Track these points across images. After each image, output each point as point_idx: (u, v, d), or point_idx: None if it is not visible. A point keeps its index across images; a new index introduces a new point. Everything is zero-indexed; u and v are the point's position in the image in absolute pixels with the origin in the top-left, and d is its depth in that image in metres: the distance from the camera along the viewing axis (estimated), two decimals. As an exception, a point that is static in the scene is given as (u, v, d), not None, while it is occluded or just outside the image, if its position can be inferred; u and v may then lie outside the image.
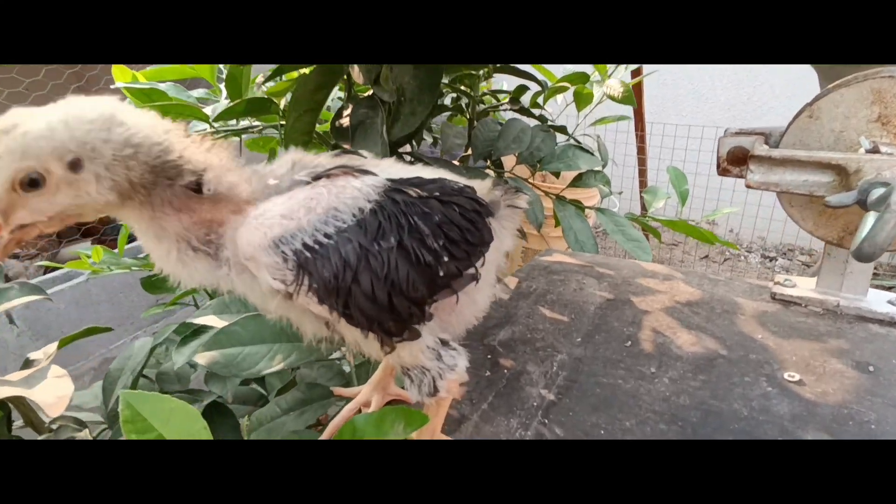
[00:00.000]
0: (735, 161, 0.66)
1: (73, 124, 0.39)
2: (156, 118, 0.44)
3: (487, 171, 1.26)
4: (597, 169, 1.29)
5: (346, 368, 0.82)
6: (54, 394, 0.59)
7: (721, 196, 2.46)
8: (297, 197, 0.46)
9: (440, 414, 0.57)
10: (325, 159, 0.51)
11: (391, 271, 0.45)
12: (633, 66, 1.51)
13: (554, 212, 1.24)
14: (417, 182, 0.50)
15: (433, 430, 0.56)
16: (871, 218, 0.48)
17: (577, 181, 1.29)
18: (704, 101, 3.04)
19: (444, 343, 0.53)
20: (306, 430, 0.69)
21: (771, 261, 3.57)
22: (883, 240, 0.44)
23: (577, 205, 1.27)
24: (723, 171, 0.68)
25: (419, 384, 0.53)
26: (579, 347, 0.70)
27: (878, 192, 0.48)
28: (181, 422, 0.42)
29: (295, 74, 1.00)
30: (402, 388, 0.58)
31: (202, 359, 0.66)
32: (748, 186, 0.63)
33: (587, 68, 1.39)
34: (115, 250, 1.36)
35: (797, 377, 0.61)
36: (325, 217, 0.45)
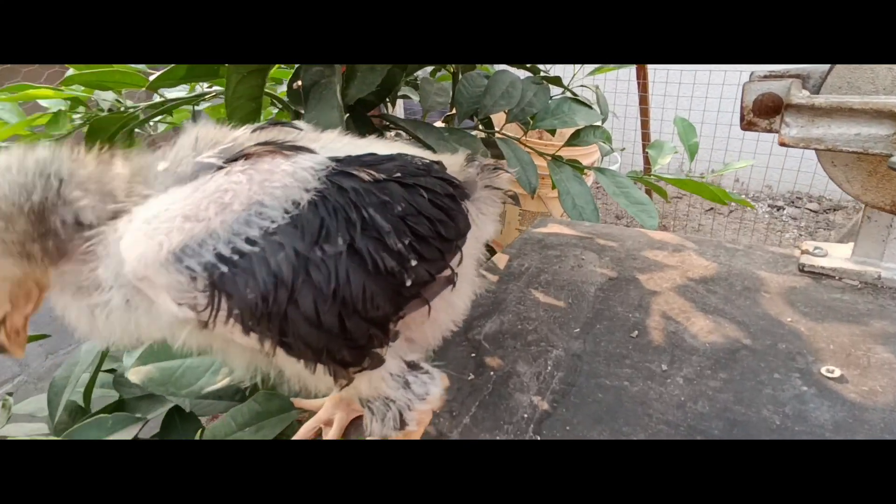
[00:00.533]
0: (764, 112, 0.54)
1: None
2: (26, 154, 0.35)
3: (475, 132, 1.14)
4: (596, 124, 1.17)
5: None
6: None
7: (730, 146, 2.32)
8: (205, 189, 0.34)
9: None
10: (243, 134, 0.40)
11: (341, 285, 0.34)
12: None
13: (549, 172, 1.12)
14: (371, 161, 0.39)
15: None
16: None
17: (575, 138, 1.17)
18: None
19: (413, 366, 0.43)
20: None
21: (779, 210, 3.45)
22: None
23: (575, 165, 1.15)
24: (747, 125, 0.56)
25: (382, 418, 0.43)
26: (578, 340, 0.60)
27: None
28: None
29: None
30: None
31: (135, 375, 0.56)
32: (782, 144, 0.51)
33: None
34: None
35: (837, 372, 0.51)
36: (245, 215, 0.33)
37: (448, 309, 0.46)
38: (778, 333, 0.58)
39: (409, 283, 0.37)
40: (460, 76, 1.10)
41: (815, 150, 0.51)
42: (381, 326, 0.37)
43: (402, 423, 0.43)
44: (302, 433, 0.54)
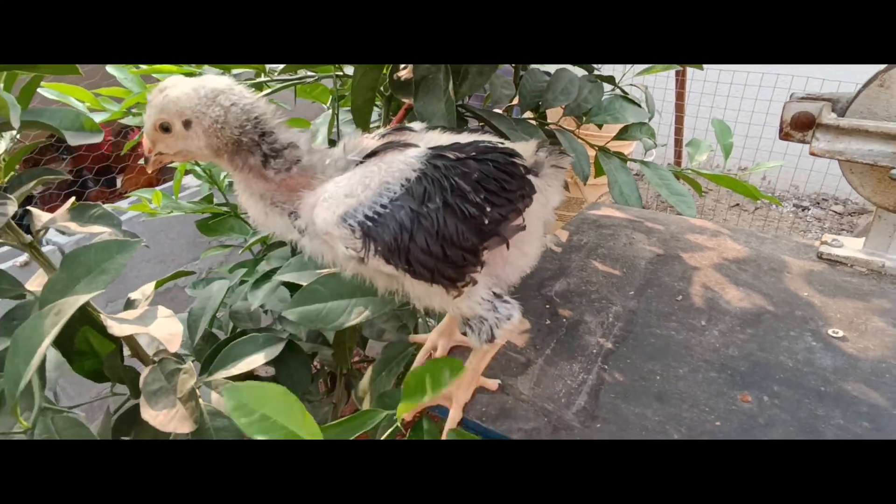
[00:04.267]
0: (798, 126, 0.68)
1: (190, 96, 0.51)
2: (259, 101, 0.54)
3: (530, 121, 1.28)
4: (643, 121, 1.29)
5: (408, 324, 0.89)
6: (168, 331, 0.67)
7: (761, 146, 2.42)
8: (355, 177, 0.53)
9: (485, 360, 0.64)
10: (373, 140, 0.57)
11: (441, 227, 0.51)
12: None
13: (597, 161, 1.26)
14: (455, 147, 0.56)
15: (475, 373, 0.63)
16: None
17: (623, 133, 1.30)
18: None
19: (499, 296, 0.59)
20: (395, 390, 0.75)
21: (803, 210, 3.52)
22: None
23: (621, 157, 1.28)
24: (785, 136, 0.70)
25: (478, 332, 0.59)
26: (632, 300, 0.75)
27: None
28: (277, 401, 0.47)
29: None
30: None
31: (292, 314, 0.72)
32: (812, 154, 0.66)
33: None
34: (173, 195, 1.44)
35: (841, 333, 0.66)
36: (379, 190, 0.52)
37: (521, 257, 0.62)
38: (796, 304, 0.72)
39: (486, 222, 0.53)
40: (522, 72, 1.24)
41: (837, 159, 0.65)
42: (472, 253, 0.53)
43: (492, 337, 0.59)
44: (418, 360, 0.71)
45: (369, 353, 1.36)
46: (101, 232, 0.64)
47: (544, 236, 0.66)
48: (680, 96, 2.46)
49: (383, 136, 0.59)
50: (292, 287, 1.09)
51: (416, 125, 0.62)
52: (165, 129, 0.52)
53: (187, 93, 0.51)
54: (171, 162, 0.57)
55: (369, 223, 0.50)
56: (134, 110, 1.23)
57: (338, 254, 0.53)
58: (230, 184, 1.47)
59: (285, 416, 0.48)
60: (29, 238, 0.65)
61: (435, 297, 0.56)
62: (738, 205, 3.68)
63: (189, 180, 1.84)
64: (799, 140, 0.69)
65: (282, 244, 1.19)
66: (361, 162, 0.55)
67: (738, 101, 2.37)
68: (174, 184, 1.47)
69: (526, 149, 0.62)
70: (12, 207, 0.57)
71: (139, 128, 1.38)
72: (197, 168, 1.42)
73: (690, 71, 2.38)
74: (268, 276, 1.03)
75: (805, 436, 0.53)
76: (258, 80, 1.18)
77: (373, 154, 0.55)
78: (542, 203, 0.61)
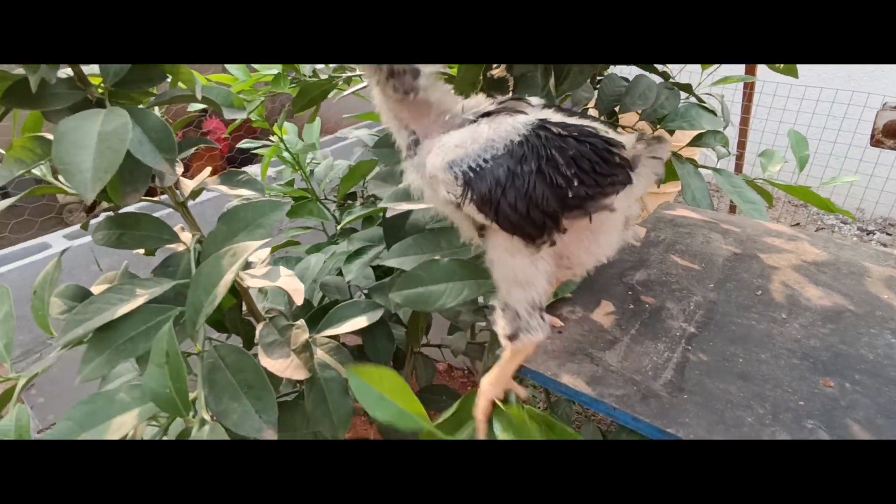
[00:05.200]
0: (890, 134, 0.71)
1: None
2: None
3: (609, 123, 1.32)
4: (718, 129, 1.32)
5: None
6: (292, 286, 0.75)
7: (830, 163, 2.37)
8: (465, 131, 0.60)
9: (513, 362, 0.66)
10: (489, 103, 0.64)
11: (529, 189, 0.57)
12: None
13: (668, 166, 1.29)
14: (561, 124, 0.61)
15: (503, 372, 0.66)
16: None
17: (697, 140, 1.33)
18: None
19: (539, 312, 0.64)
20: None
21: (868, 234, 3.41)
22: None
23: (694, 163, 1.32)
24: (876, 143, 0.73)
25: (510, 321, 0.63)
26: (713, 292, 0.80)
27: None
28: (391, 383, 0.53)
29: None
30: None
31: (398, 297, 0.79)
32: (904, 159, 0.68)
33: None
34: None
35: (922, 334, 0.69)
36: (485, 146, 0.58)
37: (599, 243, 0.66)
38: (876, 305, 0.75)
39: (570, 195, 0.59)
40: (601, 76, 1.29)
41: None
42: (553, 217, 0.59)
43: (515, 334, 0.63)
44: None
45: (431, 339, 1.43)
46: (251, 195, 0.73)
47: (625, 229, 0.71)
48: (746, 109, 2.44)
49: (501, 102, 0.65)
50: (375, 267, 1.17)
51: (533, 100, 0.67)
52: None
53: None
54: None
55: (471, 173, 0.57)
56: (241, 96, 1.35)
57: (438, 196, 0.60)
58: (312, 171, 1.59)
59: (399, 398, 0.54)
60: (181, 198, 0.76)
61: (516, 247, 0.62)
62: (798, 224, 3.59)
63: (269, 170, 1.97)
64: (890, 147, 0.72)
65: (354, 230, 1.28)
66: (475, 121, 0.62)
67: (810, 117, 2.34)
68: (262, 168, 1.59)
69: (627, 141, 0.67)
70: (180, 168, 0.67)
71: (216, 114, 1.50)
72: (286, 154, 1.54)
73: (759, 85, 2.36)
74: (357, 253, 1.12)
75: (885, 418, 0.57)
76: (357, 73, 1.27)
77: (487, 115, 0.62)
78: (627, 193, 0.65)
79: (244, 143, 1.38)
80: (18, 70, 0.53)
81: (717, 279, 0.83)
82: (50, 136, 0.61)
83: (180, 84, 0.62)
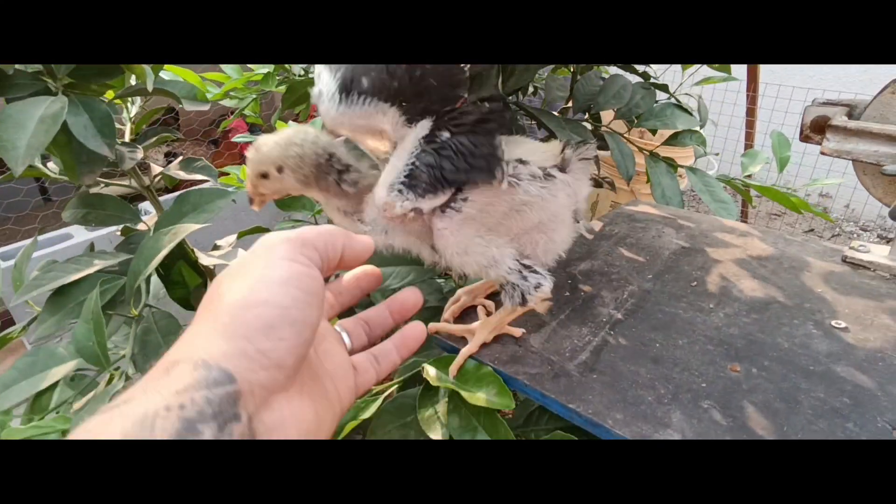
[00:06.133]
0: (817, 129, 0.72)
1: (277, 147, 0.64)
2: (318, 137, 0.66)
3: (585, 122, 1.35)
4: (694, 129, 1.33)
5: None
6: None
7: (833, 167, 2.33)
8: (389, 164, 0.64)
9: (511, 315, 0.72)
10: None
11: (458, 147, 0.61)
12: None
13: (646, 165, 1.31)
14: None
15: (500, 322, 0.72)
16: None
17: (673, 139, 1.35)
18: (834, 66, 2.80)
19: (528, 267, 0.68)
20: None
21: (888, 243, 3.30)
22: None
23: (670, 162, 1.33)
24: (804, 138, 0.74)
25: (511, 296, 0.68)
26: (649, 282, 0.82)
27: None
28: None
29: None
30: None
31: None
32: (823, 153, 0.70)
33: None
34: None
35: (843, 325, 0.70)
36: (405, 158, 0.62)
37: (550, 241, 0.70)
38: (807, 297, 0.76)
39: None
40: (578, 76, 1.31)
41: (845, 159, 0.68)
42: (492, 153, 0.62)
43: (524, 301, 0.68)
44: (445, 310, 0.81)
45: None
46: (203, 179, 0.79)
47: (574, 224, 0.74)
48: (751, 112, 2.42)
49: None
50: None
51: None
52: (264, 176, 0.65)
53: (273, 146, 0.64)
54: (272, 198, 0.71)
55: (407, 179, 0.62)
56: (231, 93, 1.42)
57: (398, 224, 0.65)
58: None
59: None
60: (146, 182, 0.82)
61: (472, 258, 0.66)
62: (812, 230, 3.51)
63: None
64: (816, 142, 0.73)
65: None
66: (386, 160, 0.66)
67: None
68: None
69: (553, 149, 0.70)
70: (139, 154, 0.73)
71: (233, 111, 1.58)
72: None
73: (762, 87, 2.34)
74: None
75: (782, 402, 0.59)
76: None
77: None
78: (569, 195, 0.70)
79: (237, 138, 1.45)
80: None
81: (658, 270, 0.85)
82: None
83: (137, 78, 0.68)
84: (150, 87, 0.68)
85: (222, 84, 1.38)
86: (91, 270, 0.64)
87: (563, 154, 0.70)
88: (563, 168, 0.69)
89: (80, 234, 2.45)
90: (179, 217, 0.70)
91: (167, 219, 0.70)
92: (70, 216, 0.75)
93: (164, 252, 0.58)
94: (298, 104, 1.40)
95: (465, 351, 0.70)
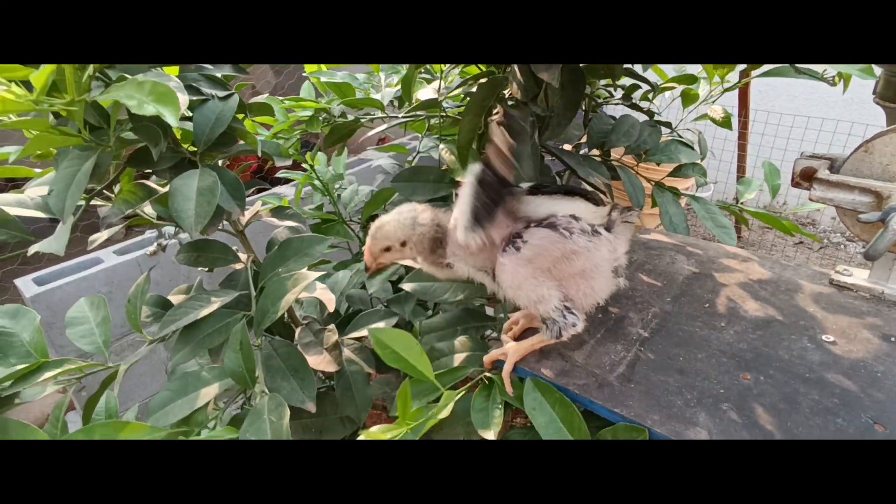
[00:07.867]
0: (805, 178, 0.88)
1: (402, 225, 0.81)
2: (435, 215, 0.84)
3: (596, 157, 1.50)
4: (696, 161, 1.49)
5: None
6: (326, 297, 0.95)
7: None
8: (457, 208, 0.79)
9: (543, 343, 0.86)
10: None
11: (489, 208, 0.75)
12: (742, 67, 1.65)
13: (653, 194, 1.47)
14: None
15: (531, 345, 0.86)
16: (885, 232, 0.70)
17: (677, 171, 1.50)
18: (818, 88, 3.00)
19: (568, 308, 0.82)
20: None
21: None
22: (881, 248, 0.67)
23: (674, 191, 1.49)
24: (795, 184, 0.90)
25: (550, 330, 0.83)
26: (669, 304, 0.97)
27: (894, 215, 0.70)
28: (403, 341, 0.73)
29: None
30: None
31: (410, 286, 0.99)
32: (811, 199, 0.85)
33: (695, 68, 1.58)
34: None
35: (832, 339, 0.85)
36: (461, 205, 0.76)
37: (593, 288, 0.84)
38: (801, 315, 0.91)
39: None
40: (590, 115, 1.48)
41: (830, 205, 0.84)
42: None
43: (559, 335, 0.83)
44: (504, 328, 0.95)
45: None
46: (295, 226, 0.94)
47: (613, 277, 0.88)
48: (742, 136, 2.60)
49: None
50: (393, 282, 1.37)
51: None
52: (387, 249, 0.81)
53: (398, 226, 0.81)
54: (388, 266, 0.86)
55: (473, 218, 0.75)
56: (280, 136, 1.57)
57: (473, 255, 0.81)
58: (339, 195, 1.79)
59: (407, 352, 0.74)
60: (240, 227, 0.96)
61: (524, 292, 0.81)
62: (801, 243, 3.69)
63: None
64: (805, 188, 0.89)
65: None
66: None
67: (800, 144, 2.48)
68: (295, 194, 1.80)
69: (601, 211, 0.85)
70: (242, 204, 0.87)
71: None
72: (316, 182, 1.75)
73: (752, 113, 2.52)
74: (380, 270, 1.31)
75: (785, 404, 0.73)
76: (379, 115, 1.48)
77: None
78: (611, 250, 0.84)
79: (282, 173, 1.59)
80: (134, 138, 0.73)
81: (675, 294, 1.00)
82: (148, 183, 0.82)
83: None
84: (259, 152, 0.82)
85: (271, 126, 1.53)
86: (213, 308, 0.77)
87: (609, 216, 0.85)
88: (608, 227, 0.83)
89: (109, 259, 2.58)
90: (283, 261, 0.84)
91: (272, 262, 0.84)
92: (184, 259, 0.88)
93: (294, 296, 0.72)
94: (338, 143, 1.55)
95: (505, 372, 0.84)
